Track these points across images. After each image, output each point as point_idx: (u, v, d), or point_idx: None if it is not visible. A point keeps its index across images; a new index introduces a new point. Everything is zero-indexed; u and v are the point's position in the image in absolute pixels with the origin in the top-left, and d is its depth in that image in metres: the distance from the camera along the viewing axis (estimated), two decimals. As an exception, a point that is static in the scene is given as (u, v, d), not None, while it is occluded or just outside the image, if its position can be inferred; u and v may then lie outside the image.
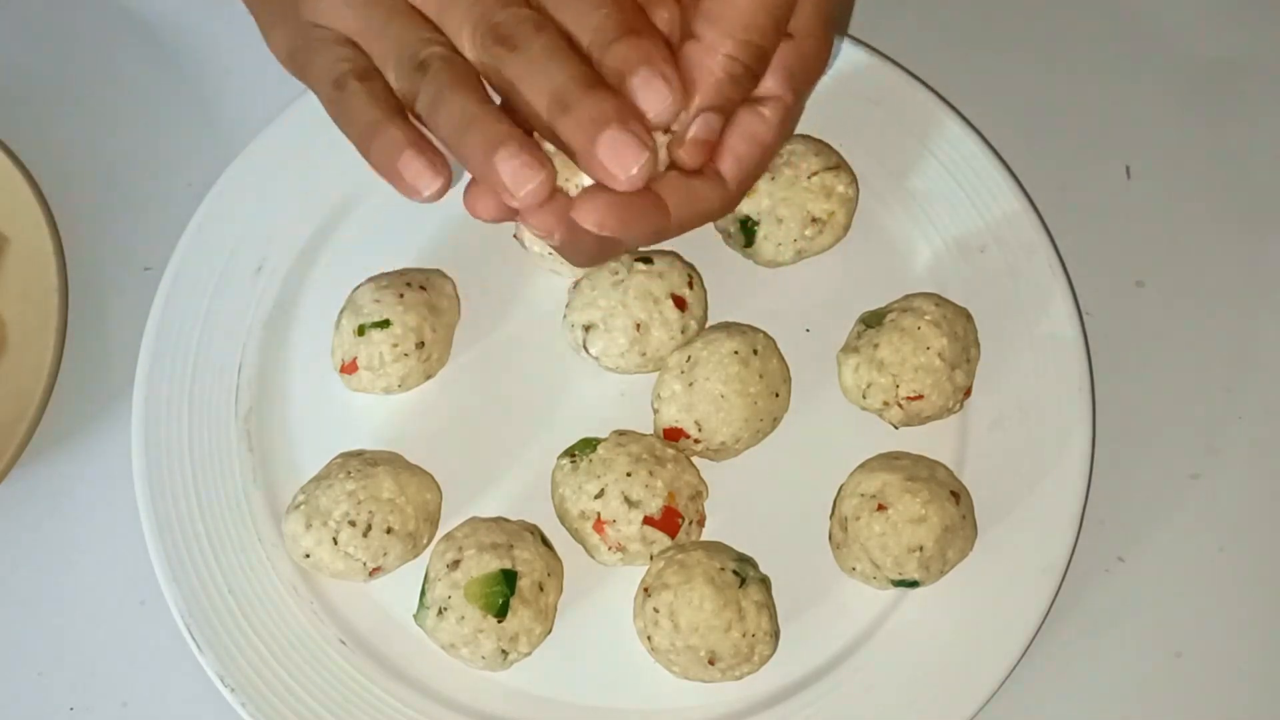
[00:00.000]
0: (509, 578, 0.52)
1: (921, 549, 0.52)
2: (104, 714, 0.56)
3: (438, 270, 0.59)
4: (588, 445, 0.55)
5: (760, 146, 0.46)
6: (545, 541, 0.55)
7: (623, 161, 0.41)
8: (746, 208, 0.57)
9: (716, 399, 0.54)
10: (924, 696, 0.53)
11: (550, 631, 0.54)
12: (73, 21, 0.66)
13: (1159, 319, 0.60)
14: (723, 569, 0.52)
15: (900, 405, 0.55)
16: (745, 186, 0.46)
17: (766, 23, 0.44)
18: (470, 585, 0.52)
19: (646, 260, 0.56)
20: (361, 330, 0.56)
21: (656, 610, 0.52)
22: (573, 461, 0.55)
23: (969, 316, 0.57)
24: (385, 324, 0.56)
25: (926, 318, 0.55)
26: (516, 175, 0.41)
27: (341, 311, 0.57)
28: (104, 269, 0.62)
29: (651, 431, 0.56)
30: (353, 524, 0.53)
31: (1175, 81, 0.64)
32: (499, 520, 0.55)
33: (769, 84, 0.46)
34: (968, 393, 0.56)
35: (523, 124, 0.43)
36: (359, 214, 0.61)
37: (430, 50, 0.44)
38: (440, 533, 0.56)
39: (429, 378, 0.58)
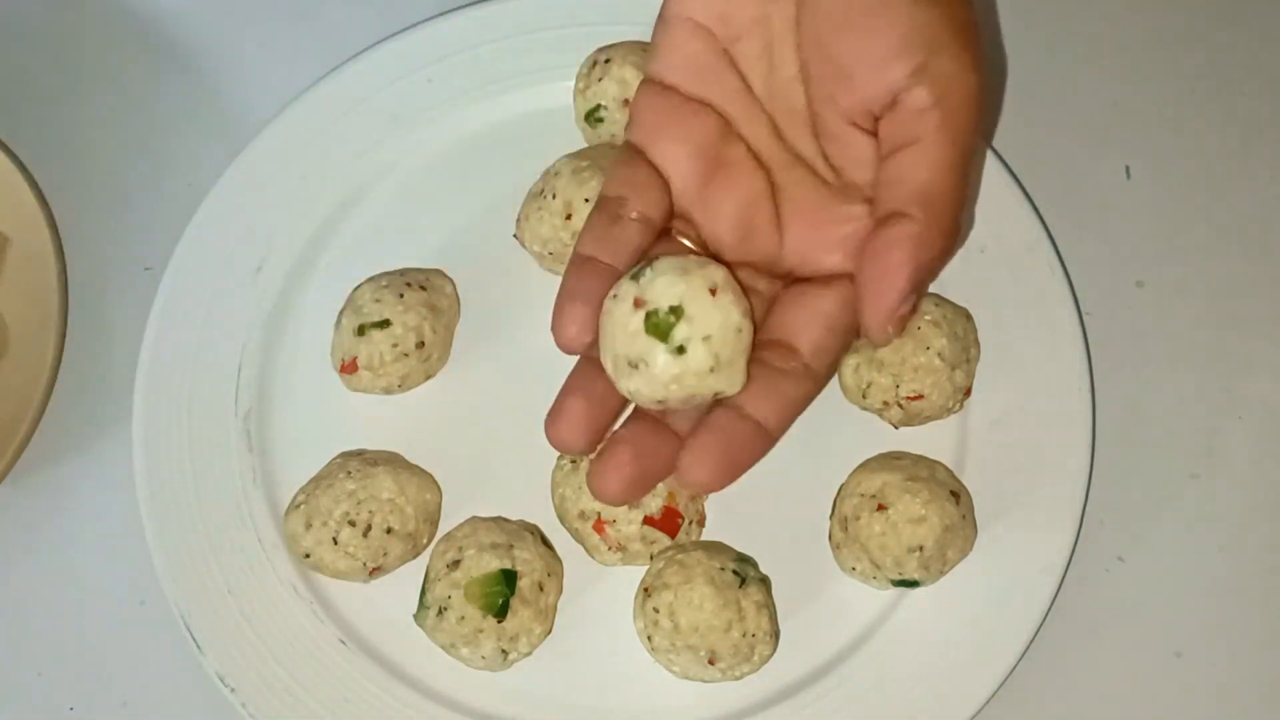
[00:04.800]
0: (509, 578, 0.52)
1: (921, 549, 0.52)
2: (104, 714, 0.56)
3: (438, 270, 0.59)
4: (588, 445, 0.55)
5: (832, 329, 0.47)
6: (545, 541, 0.55)
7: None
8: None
9: (716, 399, 0.54)
10: (924, 696, 0.53)
11: (550, 631, 0.54)
12: (73, 21, 0.66)
13: (1159, 319, 0.60)
14: (723, 569, 0.52)
15: (900, 405, 0.55)
16: (831, 369, 0.48)
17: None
18: (470, 585, 0.52)
19: (646, 260, 0.56)
20: (361, 330, 0.56)
21: (656, 610, 0.52)
22: (573, 461, 0.55)
23: (969, 316, 0.57)
24: (385, 324, 0.56)
25: (926, 318, 0.55)
26: None
27: (341, 311, 0.57)
28: (104, 269, 0.62)
29: (651, 431, 0.56)
30: (353, 524, 0.53)
31: (1175, 81, 0.64)
32: (499, 520, 0.55)
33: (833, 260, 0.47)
34: (968, 393, 0.56)
35: None
36: (359, 214, 0.61)
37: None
38: (440, 533, 0.56)
39: (429, 378, 0.58)
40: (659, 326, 0.44)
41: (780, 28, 0.47)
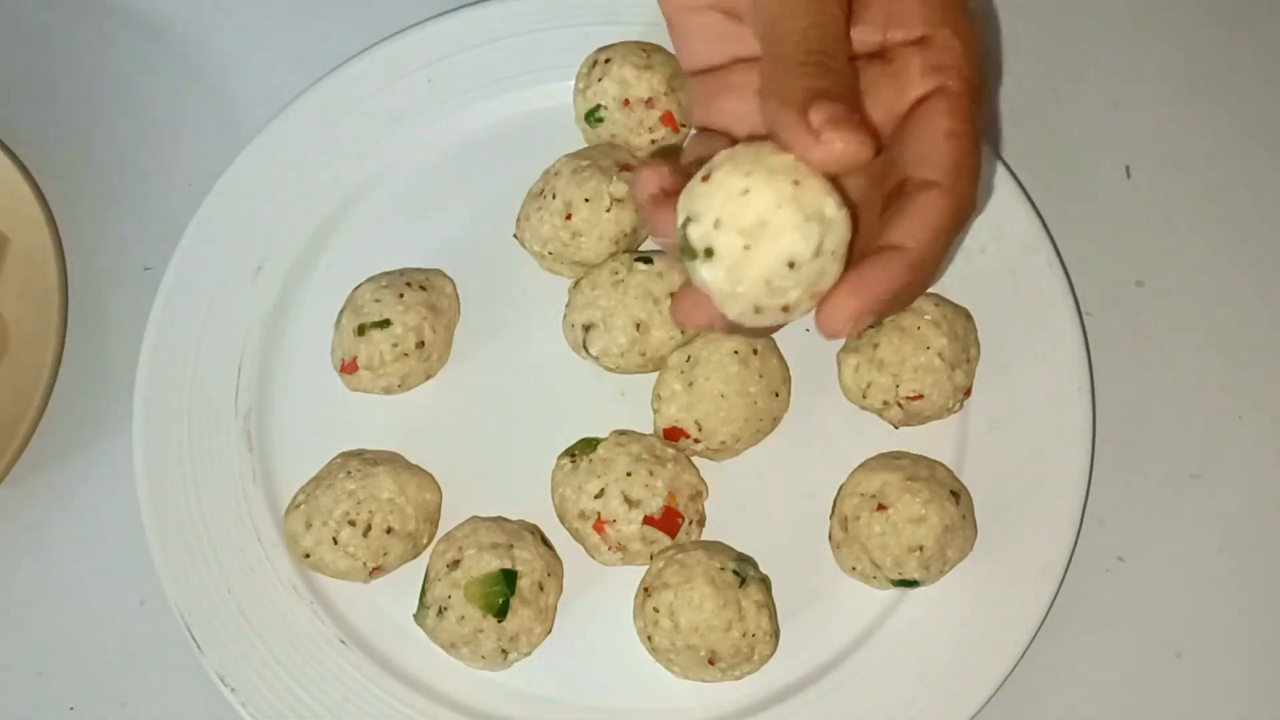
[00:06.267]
0: (509, 578, 0.52)
1: (921, 549, 0.52)
2: (104, 714, 0.56)
3: (438, 270, 0.59)
4: (588, 445, 0.55)
5: (951, 135, 0.42)
6: (545, 541, 0.55)
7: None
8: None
9: (716, 399, 0.54)
10: (924, 696, 0.53)
11: (550, 631, 0.54)
12: (73, 21, 0.66)
13: (1159, 319, 0.60)
14: (723, 569, 0.52)
15: (900, 405, 0.55)
16: (964, 175, 0.42)
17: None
18: (470, 585, 0.52)
19: (646, 260, 0.56)
20: (361, 330, 0.56)
21: (656, 610, 0.52)
22: (573, 461, 0.55)
23: (969, 316, 0.57)
24: (385, 324, 0.56)
25: (926, 317, 0.55)
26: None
27: (341, 311, 0.57)
28: (104, 269, 0.62)
29: (651, 431, 0.56)
30: (353, 524, 0.53)
31: (1175, 81, 0.64)
32: (499, 520, 0.55)
33: (925, 83, 0.43)
34: (968, 393, 0.56)
35: None
36: (359, 214, 0.61)
37: None
38: (440, 533, 0.56)
39: (429, 378, 0.58)
40: (685, 248, 0.39)
41: None
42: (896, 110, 0.43)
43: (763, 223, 0.37)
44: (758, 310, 0.38)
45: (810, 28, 0.41)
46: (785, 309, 0.38)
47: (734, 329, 0.41)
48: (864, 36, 0.44)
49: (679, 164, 0.43)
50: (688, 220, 0.38)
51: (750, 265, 0.37)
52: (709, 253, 0.38)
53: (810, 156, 0.38)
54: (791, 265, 0.37)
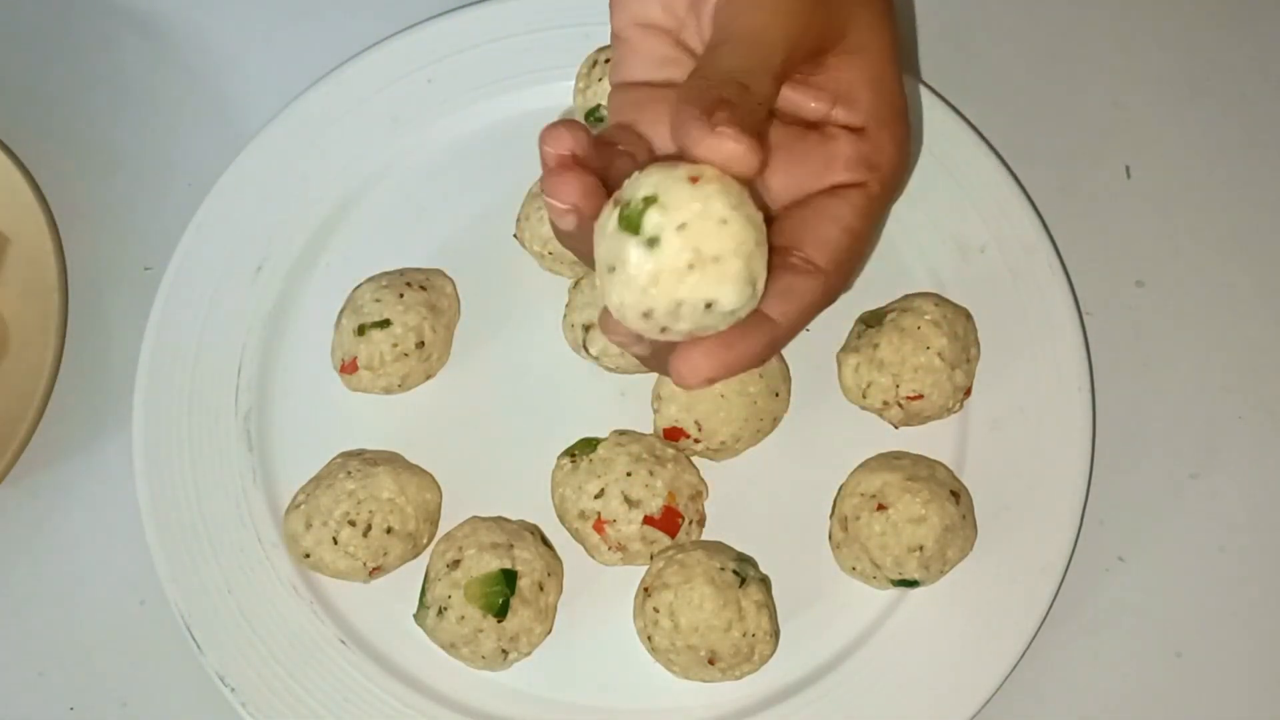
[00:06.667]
0: (509, 577, 0.52)
1: (921, 549, 0.52)
2: (104, 714, 0.56)
3: (438, 270, 0.59)
4: (588, 445, 0.55)
5: (846, 229, 0.44)
6: (545, 541, 0.55)
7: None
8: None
9: (716, 398, 0.54)
10: (924, 696, 0.53)
11: (550, 631, 0.54)
12: (72, 21, 0.66)
13: (1159, 319, 0.60)
14: (723, 569, 0.52)
15: (900, 405, 0.55)
16: (844, 270, 0.44)
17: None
18: (470, 585, 0.52)
19: (646, 260, 0.56)
20: (361, 330, 0.56)
21: (656, 610, 0.52)
22: (573, 461, 0.55)
23: (969, 316, 0.57)
24: (385, 324, 0.56)
25: (926, 317, 0.55)
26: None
27: (341, 311, 0.57)
28: (104, 269, 0.62)
29: (651, 431, 0.56)
30: (353, 524, 0.53)
31: (1175, 81, 0.64)
32: (499, 520, 0.55)
33: (849, 173, 0.44)
34: (968, 393, 0.56)
35: None
36: (359, 214, 0.61)
37: None
38: (440, 533, 0.56)
39: (429, 378, 0.58)
40: (630, 219, 0.37)
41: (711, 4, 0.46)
42: (815, 184, 0.44)
43: (718, 259, 0.36)
44: (644, 315, 0.37)
45: (746, 64, 0.42)
46: (664, 330, 0.38)
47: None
48: (812, 103, 0.45)
49: (597, 137, 0.42)
50: (654, 198, 0.37)
51: (678, 282, 0.37)
52: (653, 242, 0.36)
53: (700, 147, 0.38)
54: (708, 307, 0.37)
